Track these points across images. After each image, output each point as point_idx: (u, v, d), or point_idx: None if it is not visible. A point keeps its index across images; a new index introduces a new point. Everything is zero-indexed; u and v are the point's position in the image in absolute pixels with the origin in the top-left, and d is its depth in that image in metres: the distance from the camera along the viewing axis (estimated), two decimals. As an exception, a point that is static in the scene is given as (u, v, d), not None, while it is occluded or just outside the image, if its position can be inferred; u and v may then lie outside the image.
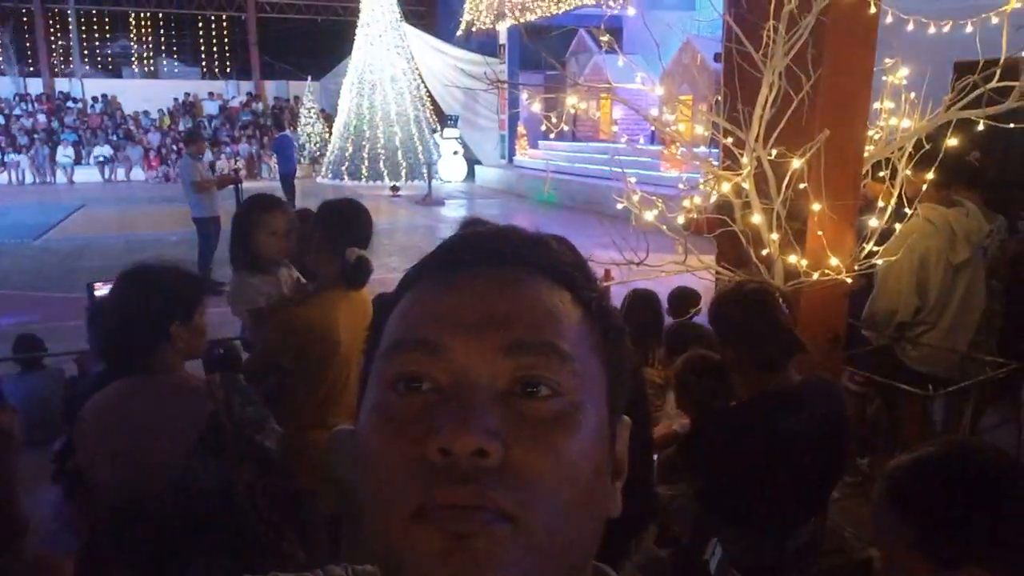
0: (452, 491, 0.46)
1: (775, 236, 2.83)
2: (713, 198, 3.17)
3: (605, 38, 3.30)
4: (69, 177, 22.46)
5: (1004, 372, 3.30)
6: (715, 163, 3.46)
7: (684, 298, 3.65)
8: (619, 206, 3.31)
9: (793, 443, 1.93)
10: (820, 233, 2.79)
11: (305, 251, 2.55)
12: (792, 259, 2.80)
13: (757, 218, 2.85)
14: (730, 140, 2.98)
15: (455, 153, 21.91)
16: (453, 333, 0.51)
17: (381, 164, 21.01)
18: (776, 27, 2.64)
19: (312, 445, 2.16)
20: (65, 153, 22.75)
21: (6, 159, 22.29)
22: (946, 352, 3.44)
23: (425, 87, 22.23)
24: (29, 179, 22.24)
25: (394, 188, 19.49)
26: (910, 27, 3.27)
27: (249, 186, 15.33)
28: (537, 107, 3.81)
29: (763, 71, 2.74)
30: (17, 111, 23.84)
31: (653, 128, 3.48)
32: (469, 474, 0.46)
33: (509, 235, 0.58)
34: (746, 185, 2.88)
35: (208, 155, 13.99)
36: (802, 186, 2.78)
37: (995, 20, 2.95)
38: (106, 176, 22.91)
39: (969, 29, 3.07)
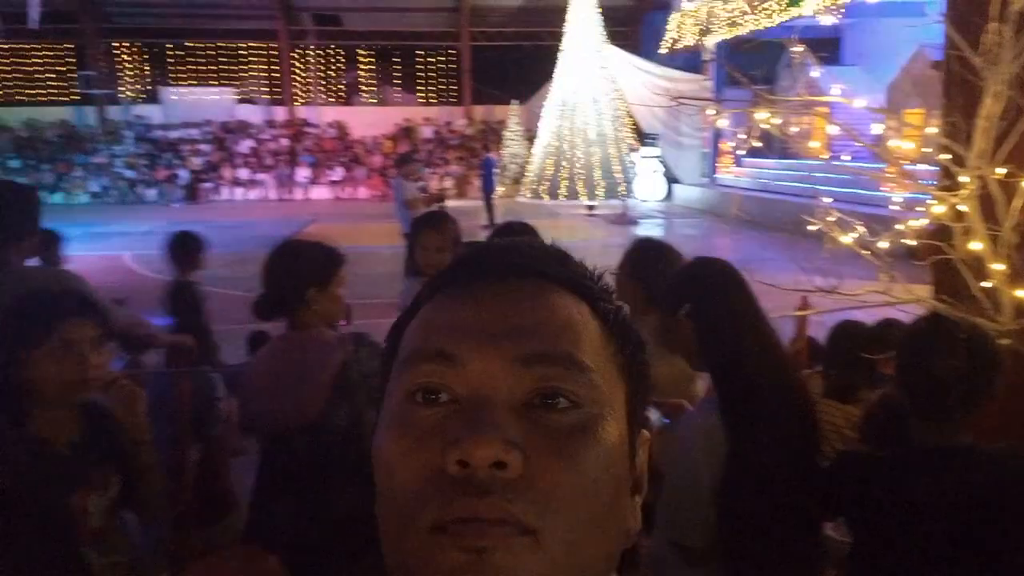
0: (471, 504, 0.45)
1: (1001, 266, 2.48)
2: (927, 221, 2.85)
3: (799, 49, 3.11)
4: (306, 194, 25.25)
5: None
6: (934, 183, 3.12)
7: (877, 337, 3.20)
8: (814, 227, 3.08)
9: (919, 517, 1.58)
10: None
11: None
12: (1021, 293, 2.43)
13: (978, 245, 2.52)
14: (949, 157, 2.68)
15: (653, 172, 21.67)
16: (471, 344, 0.50)
17: (578, 183, 21.31)
18: (1001, 30, 2.33)
19: None
20: (303, 173, 25.60)
21: (255, 178, 25.50)
22: None
23: (625, 106, 22.27)
24: (273, 195, 25.27)
25: (590, 207, 19.66)
26: None
27: (456, 205, 16.28)
28: (724, 123, 3.67)
29: (986, 79, 2.44)
30: (265, 136, 27.18)
31: (863, 145, 3.20)
32: (488, 486, 0.45)
33: (527, 248, 0.58)
34: (966, 207, 2.57)
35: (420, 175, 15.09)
36: (1035, 210, 2.42)
37: None
38: (336, 194, 25.45)
39: None
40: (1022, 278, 2.43)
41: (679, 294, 1.78)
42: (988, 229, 2.52)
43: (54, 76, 28.24)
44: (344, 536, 1.85)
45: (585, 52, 21.70)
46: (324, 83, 30.31)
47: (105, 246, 14.13)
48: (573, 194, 21.24)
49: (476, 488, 0.46)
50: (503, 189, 21.71)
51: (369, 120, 28.32)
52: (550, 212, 19.42)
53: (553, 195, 21.58)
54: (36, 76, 28.22)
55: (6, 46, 25.65)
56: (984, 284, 2.50)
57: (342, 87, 31.10)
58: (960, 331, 1.63)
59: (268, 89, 29.54)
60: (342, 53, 30.28)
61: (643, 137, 22.08)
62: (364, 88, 31.38)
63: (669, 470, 1.71)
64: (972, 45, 2.47)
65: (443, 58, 30.24)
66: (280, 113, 28.45)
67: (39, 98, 27.99)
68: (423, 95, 31.00)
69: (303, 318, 2.12)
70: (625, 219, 17.01)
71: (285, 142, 26.88)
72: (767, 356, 1.72)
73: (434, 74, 30.73)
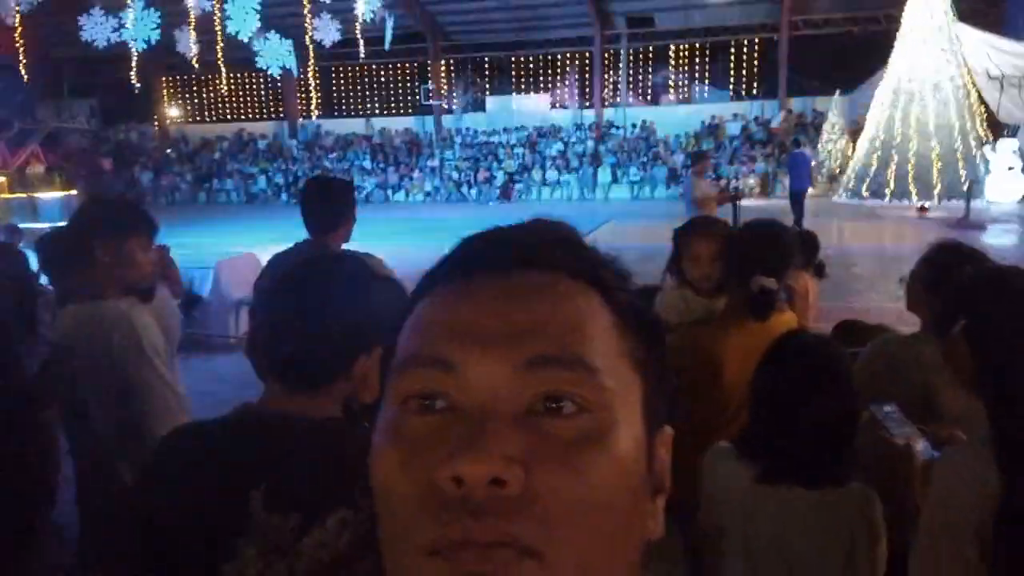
0: (466, 526, 0.42)
1: None
2: None
3: None
4: (606, 194, 25.85)
5: None
6: None
7: None
8: None
9: None
10: None
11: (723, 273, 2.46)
12: None
13: None
14: None
15: (1010, 169, 18.20)
16: (469, 348, 0.46)
17: (910, 181, 18.71)
18: None
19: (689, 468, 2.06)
20: (605, 174, 26.24)
21: (561, 179, 26.76)
22: None
23: (978, 94, 18.99)
24: (576, 195, 26.28)
25: (922, 208, 17.18)
26: None
27: (756, 204, 15.34)
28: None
29: None
30: (573, 139, 28.37)
31: None
32: (486, 506, 0.42)
33: (531, 233, 0.53)
34: None
35: (711, 173, 14.40)
36: None
37: None
38: (634, 194, 25.66)
39: None
40: None
41: (953, 309, 1.50)
42: None
43: (400, 90, 32.62)
44: None
45: (928, 33, 18.91)
46: (632, 84, 30.71)
47: (432, 237, 15.92)
48: (903, 193, 18.71)
49: (473, 508, 0.42)
50: (816, 188, 19.90)
51: (676, 119, 28.07)
52: (871, 213, 17.39)
53: (878, 194, 19.21)
54: (387, 91, 32.84)
55: (364, 66, 30.20)
56: None
57: (650, 87, 31.23)
58: None
59: (579, 93, 30.80)
60: (652, 53, 30.38)
61: (998, 128, 18.65)
62: (672, 86, 31.15)
63: (927, 503, 1.46)
64: None
65: (758, 50, 28.75)
66: (589, 116, 29.47)
67: (389, 110, 32.55)
68: (734, 90, 29.84)
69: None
70: (967, 223, 14.51)
71: (590, 144, 27.77)
72: None
73: (747, 68, 29.40)
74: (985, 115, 19.07)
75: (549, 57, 30.90)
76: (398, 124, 30.95)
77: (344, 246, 2.92)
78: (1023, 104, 18.01)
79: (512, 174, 27.08)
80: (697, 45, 29.70)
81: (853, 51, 24.86)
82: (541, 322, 0.47)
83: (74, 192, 10.20)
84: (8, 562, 2.48)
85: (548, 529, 0.42)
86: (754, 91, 29.18)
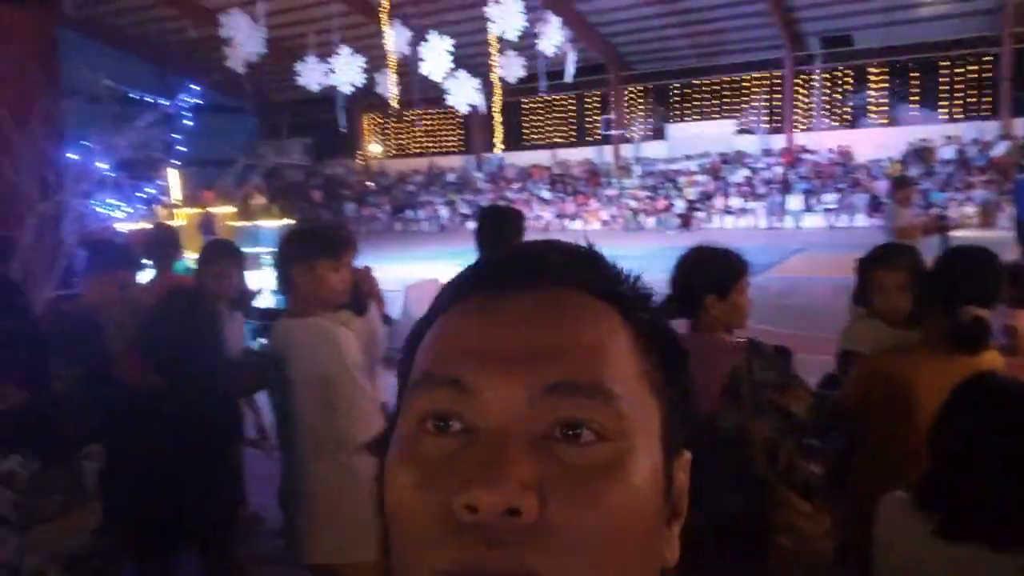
0: (480, 555, 0.41)
1: None
2: None
3: None
4: (797, 223, 24.43)
5: None
6: None
7: None
8: None
9: None
10: None
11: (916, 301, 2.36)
12: None
13: None
14: None
15: None
16: (487, 371, 0.45)
17: None
18: None
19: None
20: (795, 201, 24.83)
21: (746, 207, 25.68)
22: None
23: None
24: (763, 224, 25.09)
25: None
26: None
27: (974, 235, 13.76)
28: None
29: None
30: (760, 165, 27.18)
31: None
32: (500, 535, 0.41)
33: (551, 251, 0.52)
34: None
35: (918, 200, 13.12)
36: None
37: None
38: (831, 223, 24.03)
39: None
40: None
41: None
42: None
43: (581, 121, 33.06)
44: (729, 536, 1.87)
45: None
46: (828, 107, 28.94)
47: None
48: None
49: (487, 537, 0.41)
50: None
51: (877, 142, 26.04)
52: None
53: None
54: (568, 122, 33.43)
55: (546, 98, 30.99)
56: None
57: (847, 109, 29.25)
58: None
59: (768, 118, 29.52)
60: (850, 74, 28.47)
61: None
62: (873, 108, 28.96)
63: None
64: None
65: (974, 67, 25.99)
66: (778, 141, 28.15)
67: (570, 140, 33.11)
68: (945, 110, 27.14)
69: (702, 321, 2.21)
70: None
71: (779, 170, 26.46)
72: None
73: (961, 86, 26.63)
74: None
75: (734, 81, 29.96)
76: (578, 155, 31.39)
77: None
78: None
79: (693, 202, 26.43)
80: (900, 63, 27.43)
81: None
82: (560, 346, 0.46)
83: (291, 222, 11.38)
84: (221, 547, 2.77)
85: (563, 559, 0.42)
86: (970, 111, 26.37)
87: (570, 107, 33.02)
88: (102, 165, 5.12)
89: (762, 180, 26.27)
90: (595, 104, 32.13)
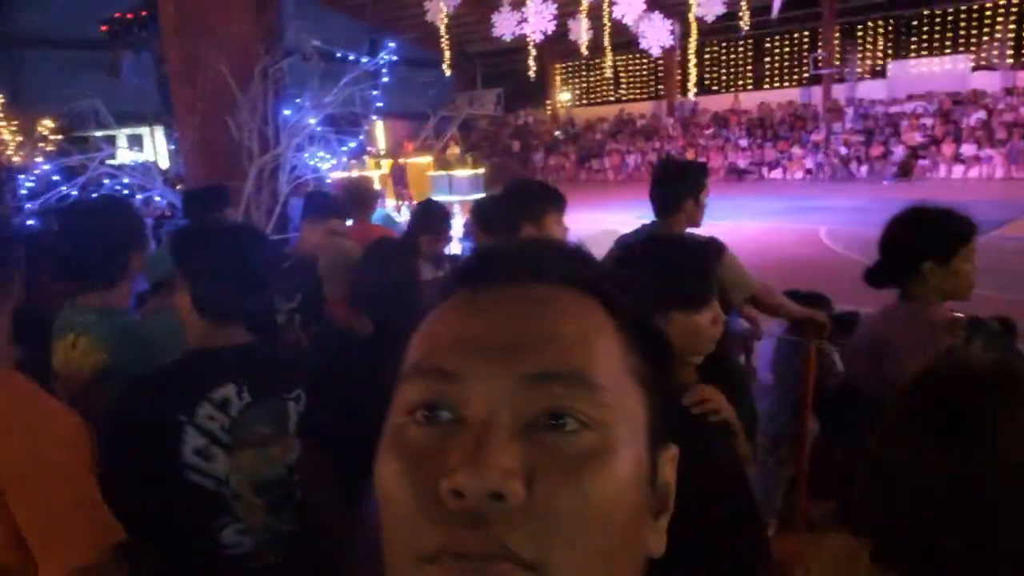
0: (462, 537, 0.42)
1: None
2: None
3: None
4: (1043, 172, 21.14)
5: None
6: None
7: None
8: None
9: None
10: None
11: None
12: None
13: None
14: None
15: None
16: (474, 361, 0.47)
17: None
18: None
19: None
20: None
21: (980, 154, 22.59)
22: None
23: None
24: (1001, 173, 21.98)
25: None
26: None
27: None
28: None
29: None
30: (1001, 106, 23.69)
31: None
32: (485, 518, 0.42)
33: (538, 248, 0.55)
34: None
35: None
36: None
37: None
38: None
39: None
40: None
41: None
42: None
43: (788, 60, 30.56)
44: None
45: None
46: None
47: (805, 220, 14.79)
48: None
49: (472, 520, 0.42)
50: None
51: None
52: None
53: None
54: (773, 63, 31.07)
55: (750, 38, 28.94)
56: None
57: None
58: None
59: (1013, 52, 25.50)
60: None
61: None
62: None
63: None
64: None
65: None
66: (1014, 78, 24.31)
67: (773, 83, 30.82)
68: None
69: (916, 291, 2.03)
70: None
71: (1016, 111, 22.91)
72: None
73: None
74: None
75: (971, 9, 26.11)
76: (781, 97, 29.18)
77: (690, 230, 2.90)
78: None
79: (915, 148, 23.68)
80: None
81: None
82: (545, 336, 0.47)
83: (482, 171, 11.74)
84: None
85: (547, 544, 0.42)
86: None
87: (776, 46, 30.66)
88: (312, 120, 5.50)
89: (1002, 123, 22.89)
90: (804, 42, 29.56)
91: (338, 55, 7.27)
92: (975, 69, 25.52)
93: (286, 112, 5.50)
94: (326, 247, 3.59)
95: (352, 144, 6.26)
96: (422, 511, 0.44)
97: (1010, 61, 25.32)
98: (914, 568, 1.02)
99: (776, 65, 30.93)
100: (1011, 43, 25.53)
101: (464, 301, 0.51)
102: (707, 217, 3.03)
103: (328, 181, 6.18)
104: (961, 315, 1.96)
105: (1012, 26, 25.44)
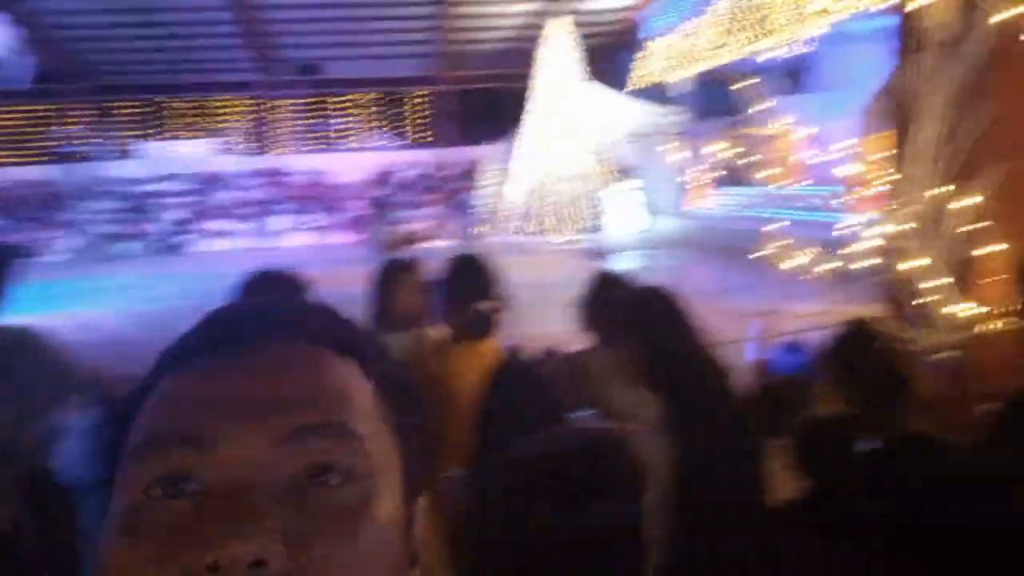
0: None
1: (944, 281, 2.49)
2: (877, 241, 2.89)
3: (760, 81, 3.17)
4: (281, 242, 25.21)
5: None
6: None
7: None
8: (771, 250, 3.12)
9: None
10: (998, 278, 2.42)
11: None
12: (961, 306, 2.44)
13: (922, 261, 2.54)
14: (897, 177, 2.73)
15: (630, 204, 21.83)
16: (225, 422, 0.44)
17: (555, 219, 21.45)
18: (938, 66, 2.40)
19: None
20: (279, 221, 25.79)
21: (228, 228, 25.51)
22: None
23: (603, 140, 22.51)
24: (246, 245, 25.18)
25: (567, 242, 19.74)
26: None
27: (433, 246, 16.27)
28: (694, 154, 3.73)
29: (928, 108, 2.50)
30: (240, 185, 27.28)
31: (836, 171, 3.25)
32: None
33: (287, 306, 0.53)
34: (911, 224, 2.60)
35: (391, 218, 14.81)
36: (976, 226, 2.44)
37: None
38: (315, 241, 25.39)
39: None
40: (962, 291, 2.44)
41: (632, 321, 1.88)
42: (930, 246, 2.54)
43: (31, 136, 28.24)
44: None
45: (561, 88, 22.02)
46: (306, 130, 30.52)
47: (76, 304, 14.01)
48: (550, 229, 21.34)
49: None
50: (479, 228, 21.80)
51: (351, 165, 28.44)
52: (524, 249, 19.44)
53: (529, 231, 21.67)
54: (13, 139, 28.21)
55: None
56: (926, 299, 2.51)
57: (323, 133, 31.33)
58: (878, 334, 1.76)
59: (247, 138, 29.72)
60: (325, 99, 30.56)
61: (620, 170, 22.28)
62: (346, 133, 31.62)
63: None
64: (919, 74, 2.54)
65: (426, 101, 30.57)
66: (258, 162, 28.55)
67: (14, 159, 27.96)
68: (406, 138, 31.26)
69: None
70: (603, 253, 17.06)
71: (261, 191, 26.93)
72: (713, 382, 1.85)
73: (418, 117, 31.04)
74: (609, 159, 22.68)
75: (214, 100, 29.33)
76: (29, 175, 26.63)
77: None
78: (637, 150, 21.75)
79: (174, 224, 25.05)
80: (371, 94, 30.56)
81: (509, 103, 27.79)
82: (302, 391, 0.46)
83: None
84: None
85: None
86: (429, 140, 30.88)
87: (21, 120, 27.85)
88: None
89: (246, 201, 26.37)
90: (52, 117, 27.73)
91: None
92: (219, 153, 28.64)
93: None
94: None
95: None
96: None
97: (248, 147, 29.40)
98: None
99: (21, 141, 28.17)
100: (246, 132, 29.67)
101: (207, 363, 0.47)
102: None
103: None
104: None
105: (244, 117, 29.61)
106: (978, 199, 2.43)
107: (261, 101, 28.53)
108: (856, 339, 1.90)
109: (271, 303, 0.53)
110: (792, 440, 2.26)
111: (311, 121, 30.76)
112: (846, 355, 1.85)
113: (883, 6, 7.74)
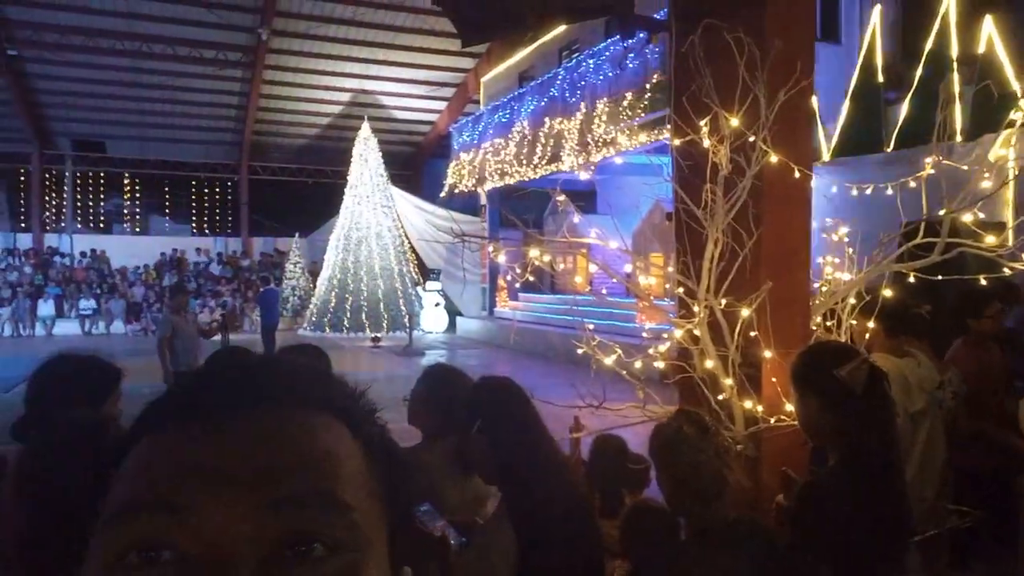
0: None
1: (730, 382, 2.91)
2: (671, 345, 3.28)
3: (561, 198, 3.56)
4: (48, 330, 22.37)
5: (970, 522, 3.28)
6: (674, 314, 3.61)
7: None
8: (580, 351, 3.42)
9: None
10: (773, 380, 2.88)
11: None
12: (748, 405, 2.86)
13: (711, 364, 2.95)
14: (683, 291, 3.14)
15: (436, 305, 22.27)
16: (205, 490, 0.41)
17: (363, 316, 21.27)
18: (715, 190, 2.87)
19: None
20: (47, 306, 22.83)
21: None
22: (915, 502, 3.42)
23: (409, 243, 22.97)
24: (9, 331, 22.13)
25: (375, 339, 19.60)
26: (854, 192, 3.58)
27: (230, 338, 15.38)
28: (500, 259, 4.02)
29: (708, 229, 2.95)
30: (3, 265, 24.15)
31: (618, 281, 3.67)
32: None
33: (273, 368, 0.50)
34: (699, 332, 3.01)
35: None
36: (752, 334, 2.90)
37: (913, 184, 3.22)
38: (86, 329, 22.88)
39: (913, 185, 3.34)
40: (747, 392, 2.87)
41: (471, 412, 1.90)
42: (718, 351, 2.97)
43: None
44: None
45: (369, 190, 22.36)
46: (80, 210, 27.95)
47: None
48: (358, 326, 21.10)
49: None
50: (284, 322, 20.99)
51: (131, 249, 26.36)
52: (334, 344, 19.00)
53: (337, 328, 21.26)
54: None
55: None
56: (719, 398, 2.91)
57: (101, 214, 28.86)
58: (704, 427, 1.95)
59: (14, 215, 26.62)
60: (103, 178, 28.30)
61: (426, 272, 22.77)
62: (127, 215, 29.35)
63: None
64: (695, 201, 3.00)
65: (219, 189, 29.37)
66: (26, 240, 25.60)
67: None
68: (196, 224, 29.64)
69: None
70: (410, 351, 17.15)
71: (28, 272, 24.04)
72: (553, 469, 1.88)
73: (208, 204, 29.65)
74: (416, 260, 23.12)
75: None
76: None
77: None
78: (443, 254, 22.41)
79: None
80: (153, 176, 28.80)
81: (310, 198, 27.54)
82: (288, 459, 0.44)
83: None
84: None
85: None
86: (217, 227, 29.51)
87: None
88: None
89: (7, 283, 23.33)
90: None
91: None
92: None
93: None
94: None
95: None
96: None
97: (11, 223, 26.25)
98: None
99: None
100: (8, 209, 26.54)
101: (189, 427, 0.45)
102: None
103: None
104: None
105: (12, 191, 26.56)
106: (749, 311, 2.88)
107: (30, 174, 25.85)
108: (664, 440, 1.99)
109: (259, 364, 0.50)
110: (620, 525, 2.48)
111: (88, 199, 28.31)
112: (657, 455, 1.96)
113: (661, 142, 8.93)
